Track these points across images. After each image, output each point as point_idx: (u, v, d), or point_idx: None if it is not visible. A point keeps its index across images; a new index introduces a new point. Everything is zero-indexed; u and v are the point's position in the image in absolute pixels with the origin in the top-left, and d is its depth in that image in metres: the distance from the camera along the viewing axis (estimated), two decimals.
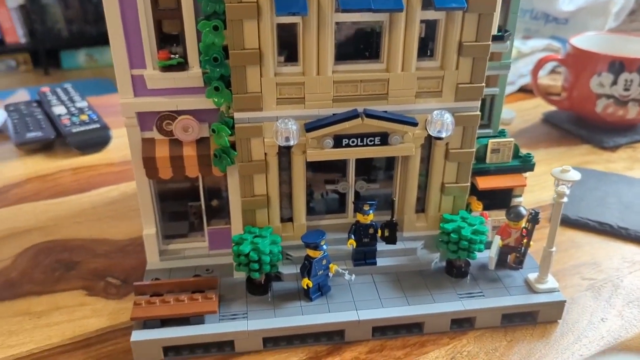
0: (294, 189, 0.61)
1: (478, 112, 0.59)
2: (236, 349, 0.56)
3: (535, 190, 0.86)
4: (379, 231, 0.61)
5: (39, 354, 0.57)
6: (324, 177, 0.64)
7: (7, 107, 1.11)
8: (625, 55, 0.96)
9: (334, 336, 0.58)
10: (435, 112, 0.56)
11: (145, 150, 0.59)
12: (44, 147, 1.00)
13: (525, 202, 0.73)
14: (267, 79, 0.54)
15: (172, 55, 0.55)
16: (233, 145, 0.58)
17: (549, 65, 1.23)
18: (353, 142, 0.57)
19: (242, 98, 0.54)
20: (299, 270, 0.60)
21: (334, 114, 0.56)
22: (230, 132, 0.56)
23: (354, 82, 0.56)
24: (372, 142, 0.57)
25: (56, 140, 1.00)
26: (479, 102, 0.59)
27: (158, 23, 0.54)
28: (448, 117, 0.56)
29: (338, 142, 0.57)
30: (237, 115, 0.56)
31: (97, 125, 1.01)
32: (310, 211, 0.66)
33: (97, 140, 0.99)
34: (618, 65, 0.96)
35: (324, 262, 0.59)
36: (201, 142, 0.59)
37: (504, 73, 0.67)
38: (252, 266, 0.57)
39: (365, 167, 0.64)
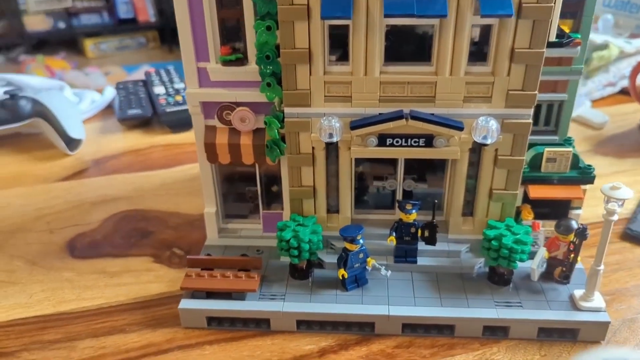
0: (340, 183, 0.64)
1: (530, 120, 0.57)
2: (272, 327, 0.60)
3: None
4: (420, 231, 0.62)
5: (107, 308, 0.65)
6: (374, 173, 0.66)
7: (117, 86, 1.23)
8: None
9: (365, 327, 0.60)
10: (480, 118, 0.56)
11: (207, 137, 0.64)
12: (142, 124, 1.10)
13: (591, 215, 0.71)
14: (315, 77, 0.57)
15: (234, 51, 0.60)
16: (283, 138, 0.61)
17: None
18: (397, 142, 0.58)
19: (292, 94, 0.58)
20: None
21: (379, 114, 0.58)
22: (280, 126, 0.60)
23: (402, 84, 0.57)
24: (417, 144, 0.58)
25: (153, 118, 1.10)
26: (532, 110, 0.57)
27: (222, 21, 0.59)
28: (493, 124, 0.55)
29: (382, 141, 0.58)
30: (287, 110, 0.59)
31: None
32: (360, 204, 0.68)
33: (186, 120, 1.06)
34: None
35: (361, 255, 0.61)
36: (257, 132, 0.63)
37: (574, 78, 0.64)
38: (292, 252, 0.61)
39: (417, 166, 0.65)
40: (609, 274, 0.67)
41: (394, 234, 0.63)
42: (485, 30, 0.56)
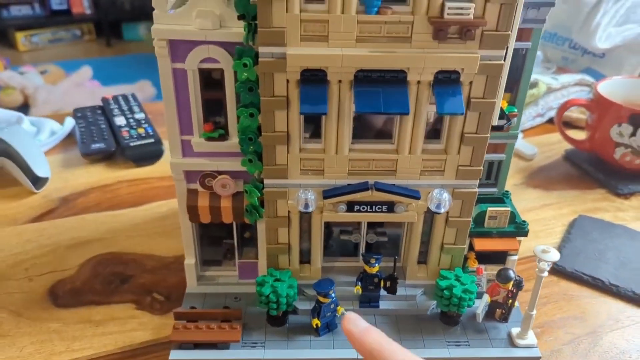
0: (312, 240, 0.71)
1: (476, 190, 0.67)
2: None
3: (541, 237, 0.94)
4: (382, 282, 0.71)
5: (95, 359, 0.70)
6: (342, 227, 0.74)
7: (75, 113, 1.25)
8: None
9: None
10: (435, 190, 0.65)
11: (189, 200, 0.70)
12: (106, 157, 1.13)
13: (532, 246, 0.82)
14: (292, 155, 0.64)
15: (216, 126, 0.66)
16: (261, 203, 0.68)
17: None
18: (364, 208, 0.67)
19: (271, 169, 0.65)
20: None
21: (348, 184, 0.66)
22: (259, 194, 0.67)
23: (367, 160, 0.65)
24: (380, 210, 0.67)
25: (116, 151, 1.13)
26: (477, 181, 0.67)
27: (205, 100, 0.65)
28: (446, 196, 0.65)
29: (350, 207, 0.67)
30: (266, 181, 0.66)
31: (152, 140, 1.13)
32: (327, 253, 0.76)
33: (151, 154, 1.12)
34: (638, 119, 1.01)
35: (332, 305, 0.69)
36: (236, 195, 0.70)
37: (511, 142, 0.75)
38: (271, 305, 0.68)
39: (377, 222, 0.74)
40: (538, 307, 0.79)
41: (359, 283, 0.71)
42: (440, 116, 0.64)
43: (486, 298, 0.71)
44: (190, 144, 0.67)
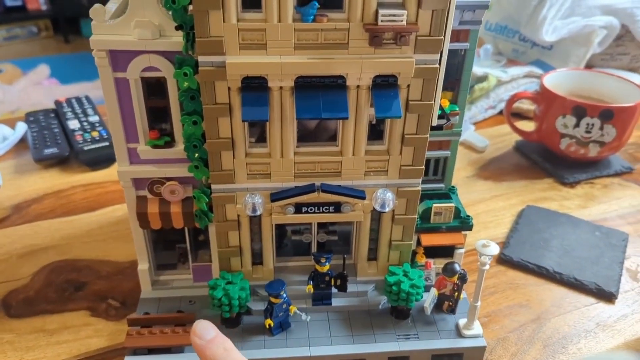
0: (263, 242, 0.73)
1: (419, 188, 0.69)
2: None
3: (490, 227, 0.97)
4: (332, 280, 0.72)
5: None
6: (293, 227, 0.76)
7: (27, 118, 1.23)
8: (588, 101, 1.05)
9: None
10: (379, 190, 0.67)
11: (139, 207, 0.70)
12: (59, 162, 1.12)
13: (481, 237, 0.85)
14: (238, 160, 0.65)
15: (162, 133, 0.66)
16: (210, 207, 0.69)
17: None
18: (311, 209, 0.68)
19: (218, 175, 0.65)
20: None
21: (295, 187, 0.67)
22: (208, 199, 0.67)
23: (313, 163, 0.66)
24: (327, 210, 0.68)
25: (70, 155, 1.12)
26: (420, 180, 0.69)
27: (149, 107, 0.65)
28: (390, 195, 0.66)
29: (298, 209, 0.68)
30: (213, 186, 0.67)
31: (107, 143, 1.12)
32: (279, 253, 0.78)
33: (106, 157, 1.11)
34: (581, 110, 1.04)
35: (284, 305, 0.70)
36: (185, 200, 0.71)
37: (455, 139, 0.77)
38: (224, 308, 0.69)
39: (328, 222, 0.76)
40: (485, 297, 0.82)
41: (311, 282, 0.73)
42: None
43: (433, 291, 0.73)
44: (137, 151, 0.67)
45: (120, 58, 0.61)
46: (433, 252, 0.78)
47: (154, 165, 0.68)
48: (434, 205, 0.74)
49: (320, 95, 0.60)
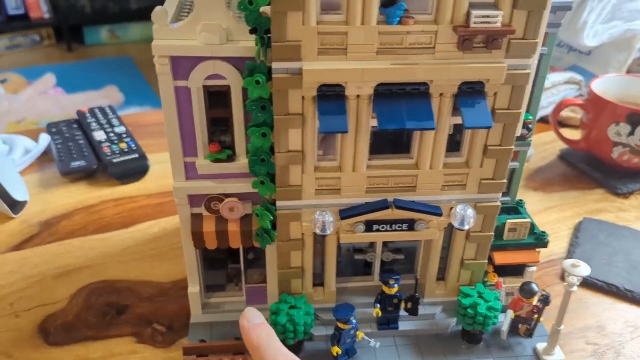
0: (326, 262, 0.67)
1: (499, 203, 0.64)
2: None
3: (549, 241, 0.91)
4: (403, 303, 0.67)
5: None
6: (356, 246, 0.71)
7: (49, 128, 1.17)
8: None
9: None
10: (459, 206, 0.62)
11: (194, 226, 0.65)
12: (86, 176, 1.06)
13: (542, 253, 0.79)
14: (307, 175, 0.60)
15: (222, 146, 0.61)
16: (274, 226, 0.64)
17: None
18: (383, 227, 0.63)
19: (285, 191, 0.60)
20: (329, 334, 0.67)
21: (366, 203, 0.62)
22: (272, 217, 0.62)
23: (386, 177, 0.61)
24: (400, 228, 0.63)
25: (98, 168, 1.07)
26: (500, 194, 0.64)
27: (210, 119, 0.60)
28: (470, 212, 0.61)
29: (369, 227, 0.63)
30: (279, 203, 0.61)
31: (136, 155, 1.07)
32: (339, 273, 0.72)
33: (136, 170, 1.06)
34: (636, 118, 1.00)
35: (352, 331, 0.65)
36: (244, 218, 0.65)
37: (524, 149, 0.72)
38: (288, 335, 0.64)
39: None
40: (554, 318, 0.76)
41: (378, 305, 0.68)
42: (458, 126, 0.61)
43: (510, 314, 0.68)
44: (194, 166, 0.62)
45: (182, 65, 0.56)
46: (502, 270, 0.73)
47: (212, 180, 0.63)
48: (508, 221, 0.69)
49: (402, 103, 0.55)
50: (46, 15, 4.09)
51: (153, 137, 1.20)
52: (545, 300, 0.66)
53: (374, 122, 0.58)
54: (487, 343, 0.69)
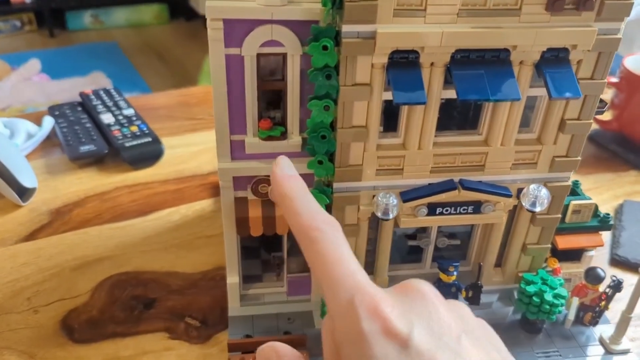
0: (380, 248, 0.62)
1: (569, 183, 0.60)
2: None
3: None
4: (463, 292, 0.62)
5: None
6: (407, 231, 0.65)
7: (51, 111, 1.10)
8: None
9: None
10: (532, 186, 0.57)
11: (239, 211, 0.59)
12: (96, 161, 1.00)
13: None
14: (369, 153, 0.54)
15: (273, 123, 0.55)
16: (327, 210, 0.58)
17: None
18: (447, 210, 0.58)
19: (344, 171, 0.55)
20: None
21: (429, 184, 0.57)
22: (328, 200, 0.57)
23: (453, 155, 0.56)
24: (465, 211, 0.58)
25: (108, 153, 1.00)
26: (571, 173, 0.59)
27: (261, 93, 0.54)
28: (545, 193, 0.57)
29: (432, 210, 0.58)
30: (336, 185, 0.56)
31: (149, 139, 1.00)
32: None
33: (150, 155, 0.99)
34: None
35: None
36: None
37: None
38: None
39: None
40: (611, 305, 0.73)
41: None
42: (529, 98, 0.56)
43: (576, 302, 0.64)
44: (242, 145, 0.56)
45: (236, 30, 0.50)
46: (560, 255, 0.68)
47: (261, 161, 0.57)
48: (572, 202, 0.65)
49: (482, 72, 0.49)
50: (27, 0, 3.95)
51: (162, 120, 1.13)
52: (618, 286, 0.62)
53: (445, 94, 0.53)
54: (548, 332, 0.65)
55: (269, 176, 0.58)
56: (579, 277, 0.68)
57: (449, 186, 0.56)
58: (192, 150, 1.04)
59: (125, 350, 0.65)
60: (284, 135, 0.55)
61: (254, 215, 0.59)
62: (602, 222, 0.66)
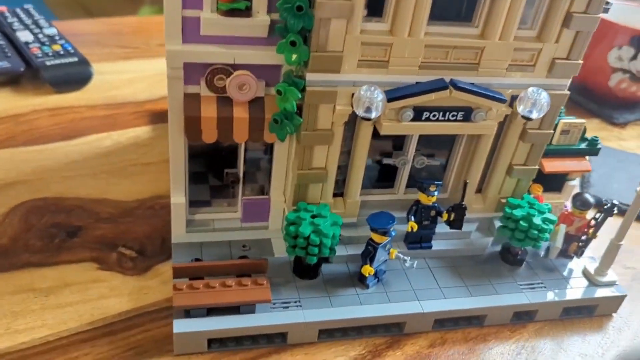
0: (353, 163, 0.54)
1: (567, 92, 0.53)
2: (288, 340, 0.50)
3: None
4: (445, 215, 0.55)
5: (55, 341, 0.48)
6: (381, 148, 0.57)
7: None
8: None
9: (392, 328, 0.53)
10: (530, 89, 0.50)
11: (188, 109, 0.49)
12: (11, 80, 0.85)
13: None
14: (352, 37, 0.46)
15: None
16: (299, 109, 0.49)
17: None
18: (434, 116, 0.50)
19: (321, 57, 0.46)
20: (349, 254, 0.54)
21: (417, 83, 0.49)
22: (299, 96, 0.48)
23: (445, 48, 0.48)
24: (455, 118, 0.51)
25: (25, 73, 0.86)
26: (570, 80, 0.53)
27: None
28: (545, 97, 0.50)
29: (418, 114, 0.50)
30: (310, 76, 0.47)
31: (75, 59, 0.87)
32: None
33: (76, 76, 0.86)
34: None
35: (387, 247, 0.53)
36: (254, 102, 0.50)
37: None
38: (311, 250, 0.50)
39: (425, 140, 0.58)
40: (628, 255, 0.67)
41: (413, 218, 0.55)
42: None
43: (564, 229, 0.58)
44: (196, 22, 0.46)
45: None
46: (540, 183, 0.62)
47: (219, 45, 0.47)
48: (562, 121, 0.59)
49: None
50: None
51: (91, 46, 0.99)
52: (611, 209, 0.57)
53: None
54: (530, 265, 0.59)
55: (228, 65, 0.48)
56: (560, 208, 0.63)
57: (439, 84, 0.49)
58: (125, 77, 0.91)
59: (42, 281, 0.54)
60: (248, 11, 0.45)
61: (207, 115, 0.49)
62: (591, 145, 0.61)
